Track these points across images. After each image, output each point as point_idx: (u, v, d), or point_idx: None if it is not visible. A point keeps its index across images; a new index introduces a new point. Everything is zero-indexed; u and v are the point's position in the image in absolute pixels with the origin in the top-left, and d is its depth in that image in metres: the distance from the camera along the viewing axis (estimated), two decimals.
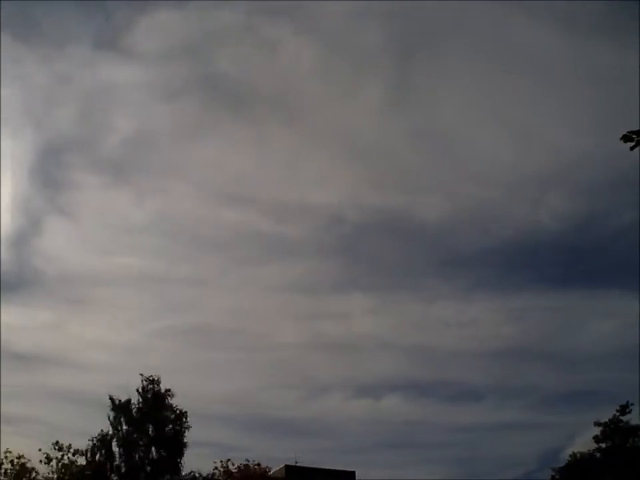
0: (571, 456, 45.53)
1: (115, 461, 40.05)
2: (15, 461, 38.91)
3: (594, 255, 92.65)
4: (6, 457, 38.90)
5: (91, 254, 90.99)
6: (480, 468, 78.45)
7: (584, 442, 59.66)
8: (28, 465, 39.56)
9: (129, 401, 40.79)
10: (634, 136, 10.01)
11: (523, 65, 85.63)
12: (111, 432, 40.17)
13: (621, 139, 10.10)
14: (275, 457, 53.70)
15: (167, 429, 40.99)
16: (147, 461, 40.47)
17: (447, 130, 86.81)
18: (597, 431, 44.73)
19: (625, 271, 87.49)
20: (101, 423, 40.39)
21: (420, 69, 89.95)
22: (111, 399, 40.58)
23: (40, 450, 39.56)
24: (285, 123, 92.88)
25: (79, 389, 64.45)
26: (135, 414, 40.72)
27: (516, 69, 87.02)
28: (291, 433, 72.04)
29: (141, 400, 41.01)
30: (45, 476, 39.75)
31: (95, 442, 39.76)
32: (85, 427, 46.36)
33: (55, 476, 39.52)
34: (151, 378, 41.31)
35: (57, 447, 39.86)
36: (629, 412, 44.82)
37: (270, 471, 43.93)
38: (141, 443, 40.58)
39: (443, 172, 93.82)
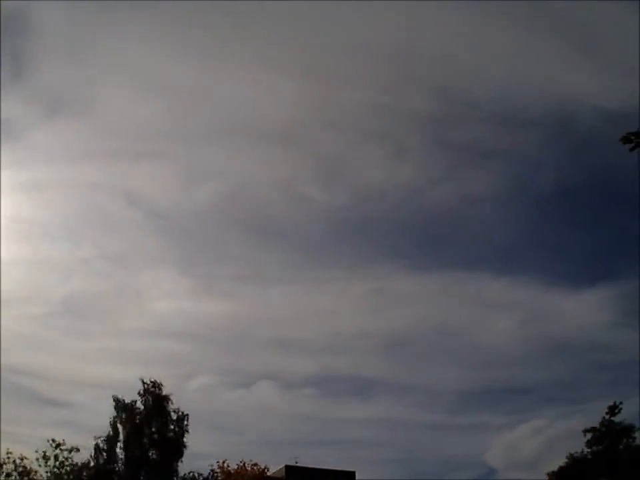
0: (567, 458, 45.81)
1: (117, 461, 40.16)
2: (18, 462, 39.04)
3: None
4: (8, 458, 39.06)
5: None
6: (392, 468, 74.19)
7: (503, 444, 59.35)
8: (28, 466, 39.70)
9: (134, 402, 40.89)
10: (632, 137, 9.83)
11: None
12: (112, 432, 40.29)
13: (620, 140, 9.88)
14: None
15: (167, 431, 41.24)
16: (146, 462, 40.70)
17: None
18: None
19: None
20: None
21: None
22: (116, 399, 40.65)
23: (37, 451, 39.68)
24: None
25: None
26: (136, 416, 40.84)
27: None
28: None
29: (142, 402, 41.22)
30: (43, 476, 39.83)
31: (99, 442, 39.84)
32: None
33: (53, 477, 39.66)
34: (152, 381, 41.58)
35: (53, 446, 39.90)
36: (619, 412, 45.13)
37: (269, 471, 44.36)
38: (142, 444, 40.80)
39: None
